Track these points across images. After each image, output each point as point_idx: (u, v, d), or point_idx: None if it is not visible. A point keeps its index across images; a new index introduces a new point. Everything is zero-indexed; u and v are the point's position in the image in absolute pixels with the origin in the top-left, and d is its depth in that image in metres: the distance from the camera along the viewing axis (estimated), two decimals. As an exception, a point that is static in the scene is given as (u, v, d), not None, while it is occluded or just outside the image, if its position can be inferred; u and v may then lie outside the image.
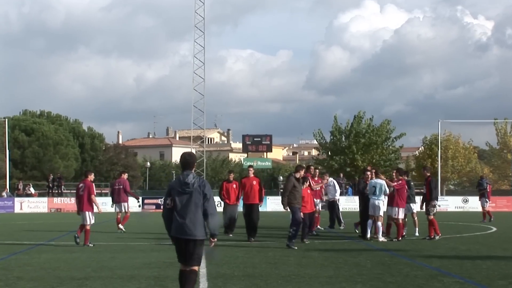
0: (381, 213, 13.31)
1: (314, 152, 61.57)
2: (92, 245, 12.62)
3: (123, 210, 17.54)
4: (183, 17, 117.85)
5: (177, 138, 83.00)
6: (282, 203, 11.95)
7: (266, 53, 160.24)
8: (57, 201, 33.54)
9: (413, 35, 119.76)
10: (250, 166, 13.93)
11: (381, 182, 13.34)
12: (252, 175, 13.86)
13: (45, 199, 34.02)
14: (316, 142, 44.84)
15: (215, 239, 6.19)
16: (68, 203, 32.70)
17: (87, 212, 12.84)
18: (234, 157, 70.68)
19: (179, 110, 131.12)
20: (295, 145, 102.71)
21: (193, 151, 53.53)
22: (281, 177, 52.54)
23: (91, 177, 13.00)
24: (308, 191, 12.78)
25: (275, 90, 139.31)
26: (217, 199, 13.95)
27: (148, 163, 53.92)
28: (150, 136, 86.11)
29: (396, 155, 42.09)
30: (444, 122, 40.05)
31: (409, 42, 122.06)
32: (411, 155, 57.12)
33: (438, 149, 39.55)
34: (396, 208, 13.50)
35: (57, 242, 13.66)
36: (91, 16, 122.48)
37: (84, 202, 12.81)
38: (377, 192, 13.29)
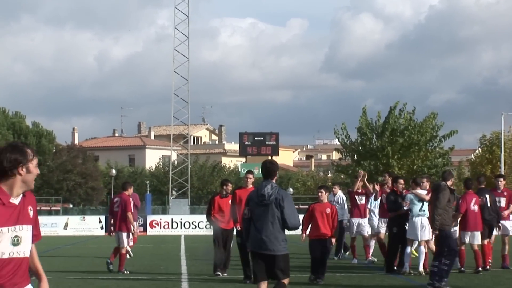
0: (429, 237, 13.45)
1: (335, 156, 61.66)
2: (127, 272, 13.93)
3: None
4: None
5: (152, 137, 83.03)
6: (434, 225, 11.73)
7: (272, 22, 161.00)
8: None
9: (470, 0, 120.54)
10: (249, 172, 13.47)
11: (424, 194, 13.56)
12: (251, 186, 13.16)
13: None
14: (338, 143, 44.79)
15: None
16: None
17: (122, 233, 14.03)
18: (229, 162, 70.68)
19: (155, 100, 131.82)
20: (309, 147, 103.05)
21: (173, 154, 54.74)
22: (291, 189, 52.48)
23: (130, 190, 14.40)
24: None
25: (284, 73, 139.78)
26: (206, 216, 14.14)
27: (114, 171, 53.87)
28: (117, 135, 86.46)
29: (445, 159, 42.09)
30: (510, 116, 40.32)
31: (464, 8, 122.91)
32: (464, 159, 57.33)
33: (501, 151, 39.56)
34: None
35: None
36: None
37: (118, 220, 14.04)
38: (424, 208, 13.42)
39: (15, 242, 3.99)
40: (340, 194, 17.63)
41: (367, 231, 16.46)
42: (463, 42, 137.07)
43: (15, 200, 4.02)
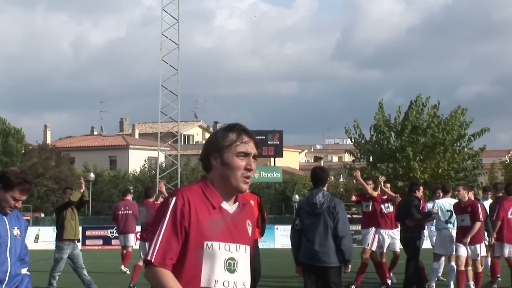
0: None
1: (347, 158, 61.36)
2: (126, 269, 17.47)
3: (129, 244, 19.93)
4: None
5: (137, 136, 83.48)
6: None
7: (276, 3, 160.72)
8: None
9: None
10: None
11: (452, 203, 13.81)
12: (247, 191, 12.86)
13: None
14: (351, 142, 44.84)
15: (350, 266, 8.16)
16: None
17: (132, 234, 18.43)
18: None
19: (140, 92, 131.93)
20: (318, 147, 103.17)
21: (160, 155, 54.87)
22: (297, 196, 52.23)
23: (129, 198, 19.31)
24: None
25: (290, 62, 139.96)
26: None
27: (92, 175, 53.98)
28: (95, 133, 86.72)
29: (475, 161, 41.99)
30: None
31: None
32: (497, 161, 57.21)
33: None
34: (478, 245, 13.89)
35: None
36: None
37: (129, 222, 18.25)
38: (452, 219, 13.73)
39: (230, 267, 3.43)
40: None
41: (398, 245, 15.92)
42: (497, 25, 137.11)
43: (230, 207, 3.59)
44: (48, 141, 73.72)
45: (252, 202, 13.36)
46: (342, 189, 59.86)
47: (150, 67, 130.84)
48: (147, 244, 14.48)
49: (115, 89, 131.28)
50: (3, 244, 5.49)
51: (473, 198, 13.93)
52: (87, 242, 36.19)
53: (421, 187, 14.59)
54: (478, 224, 13.09)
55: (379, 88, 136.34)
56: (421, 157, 41.00)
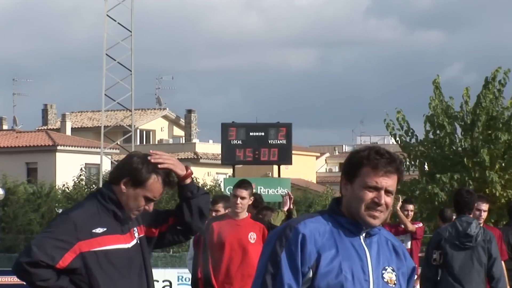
0: None
1: None
2: None
3: None
4: None
5: (68, 132, 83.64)
6: None
7: None
8: None
9: None
10: (242, 186, 13.15)
11: None
12: (245, 214, 13.38)
13: None
14: (395, 142, 44.59)
15: None
16: None
17: None
18: (204, 174, 71.47)
19: (73, 66, 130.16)
20: (346, 148, 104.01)
21: (105, 161, 56.32)
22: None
23: None
24: None
25: (304, 19, 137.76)
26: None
27: (1, 190, 53.17)
28: (5, 127, 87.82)
29: None
30: None
31: None
32: None
33: None
34: None
35: None
36: None
37: None
38: None
39: None
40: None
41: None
42: None
43: None
44: None
45: (253, 236, 13.57)
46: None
47: (88, 27, 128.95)
48: None
49: (35, 61, 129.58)
50: None
51: None
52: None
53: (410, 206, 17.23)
54: None
55: (438, 59, 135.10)
56: (502, 164, 40.87)
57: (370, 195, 4.76)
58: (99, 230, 6.45)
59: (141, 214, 6.67)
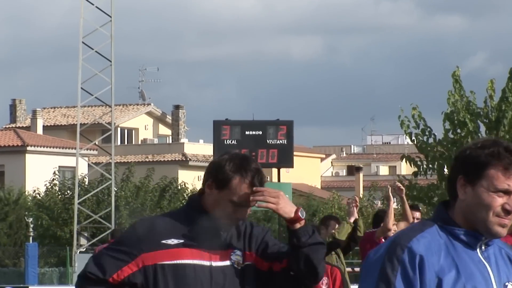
0: None
1: (405, 168, 61.81)
2: None
3: None
4: None
5: (40, 131, 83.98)
6: None
7: None
8: None
9: None
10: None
11: None
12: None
13: None
14: (410, 142, 45.29)
15: None
16: None
17: None
18: (193, 178, 71.46)
19: (45, 55, 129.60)
20: (356, 149, 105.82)
21: (81, 163, 56.11)
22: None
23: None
24: None
25: (308, 2, 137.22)
26: None
27: None
28: None
29: None
30: None
31: None
32: None
33: None
34: None
35: None
36: None
37: None
38: None
39: None
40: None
41: None
42: None
43: None
44: None
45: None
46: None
47: (62, 12, 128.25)
48: None
49: (1, 51, 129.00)
50: None
51: None
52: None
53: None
54: None
55: (459, 48, 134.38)
56: (533, 169, 41.18)
57: (500, 200, 4.33)
58: (172, 241, 6.05)
59: (255, 240, 6.17)
